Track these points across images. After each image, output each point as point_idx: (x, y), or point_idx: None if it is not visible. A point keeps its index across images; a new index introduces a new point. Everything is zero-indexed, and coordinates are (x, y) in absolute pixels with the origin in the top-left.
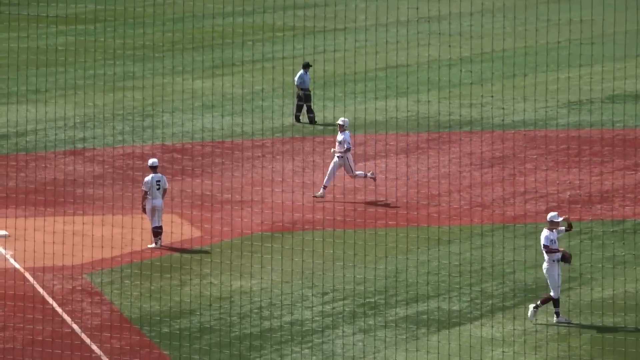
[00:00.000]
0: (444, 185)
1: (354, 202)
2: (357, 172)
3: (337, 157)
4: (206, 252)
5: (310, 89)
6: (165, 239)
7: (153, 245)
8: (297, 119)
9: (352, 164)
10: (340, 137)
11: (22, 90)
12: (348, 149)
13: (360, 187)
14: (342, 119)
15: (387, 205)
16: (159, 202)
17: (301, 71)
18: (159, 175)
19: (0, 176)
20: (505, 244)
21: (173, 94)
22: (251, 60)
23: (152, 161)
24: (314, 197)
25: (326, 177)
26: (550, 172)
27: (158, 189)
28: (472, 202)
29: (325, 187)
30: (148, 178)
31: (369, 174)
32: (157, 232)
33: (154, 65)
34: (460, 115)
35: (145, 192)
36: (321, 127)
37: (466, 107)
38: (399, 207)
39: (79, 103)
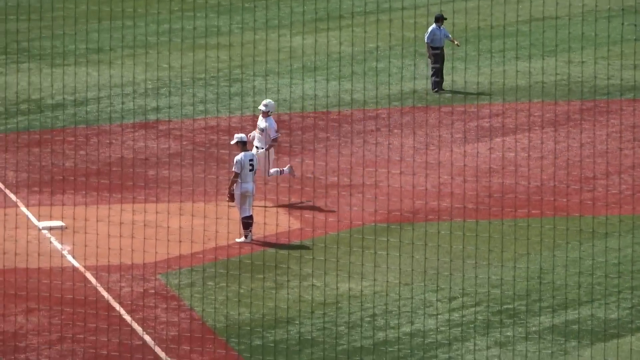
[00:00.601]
0: (601, 166)
1: (489, 187)
2: (271, 171)
3: (256, 148)
4: (307, 247)
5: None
6: (257, 232)
7: (242, 239)
8: (436, 85)
9: (271, 159)
10: (262, 123)
11: (81, 50)
12: (275, 140)
13: (497, 168)
14: (266, 101)
15: (529, 190)
16: (251, 186)
17: (433, 25)
18: (251, 153)
19: (56, 155)
20: None
21: (266, 54)
22: (363, 12)
23: (240, 136)
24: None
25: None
26: None
27: (251, 169)
28: (635, 186)
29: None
30: (239, 157)
31: (285, 169)
32: (247, 223)
33: (243, 18)
34: (622, 79)
35: (236, 174)
36: (449, 95)
37: (629, 69)
38: (544, 192)
39: (151, 65)
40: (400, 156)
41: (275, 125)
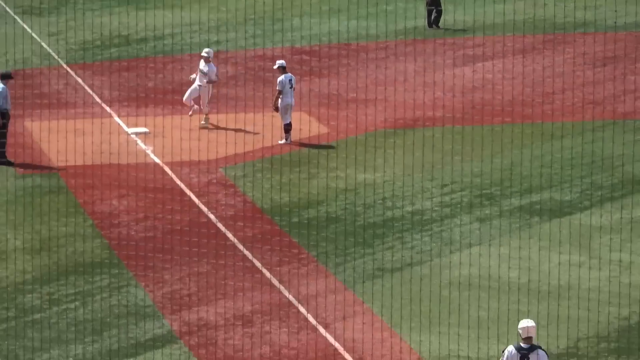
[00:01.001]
0: (558, 84)
1: (472, 100)
2: (207, 104)
3: (198, 85)
4: (333, 147)
5: None
6: (295, 136)
7: (283, 141)
8: (431, 23)
9: (210, 95)
10: (204, 67)
11: None
12: (213, 82)
13: (478, 86)
14: (206, 49)
15: (503, 103)
16: (290, 100)
17: None
18: (290, 74)
19: (141, 77)
20: (615, 139)
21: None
22: None
23: (280, 62)
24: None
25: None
26: None
27: (291, 87)
28: (584, 99)
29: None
30: (281, 77)
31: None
32: (287, 128)
33: None
34: (575, 18)
35: (279, 92)
36: (442, 30)
37: (581, 9)
38: (515, 104)
39: (213, 8)
40: (404, 77)
41: (215, 69)
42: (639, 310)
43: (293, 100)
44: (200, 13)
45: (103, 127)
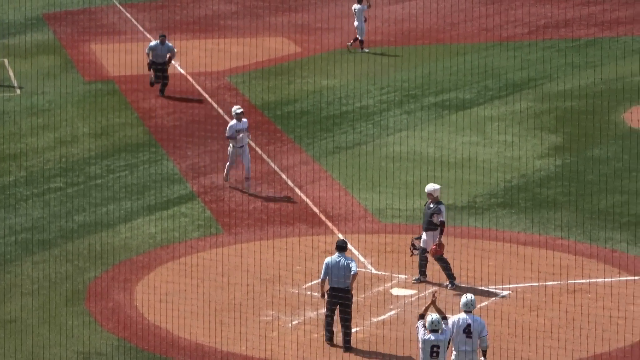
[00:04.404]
0: (462, 16)
1: (402, 28)
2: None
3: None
4: (305, 62)
5: None
6: (277, 54)
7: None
8: None
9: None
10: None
11: None
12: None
13: (406, 19)
14: (237, 107)
15: (424, 30)
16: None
17: None
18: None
19: (171, 13)
20: (501, 55)
21: None
22: None
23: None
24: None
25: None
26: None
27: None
28: (479, 27)
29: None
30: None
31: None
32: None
33: None
34: None
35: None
36: None
37: None
38: (431, 31)
39: None
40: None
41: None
42: (518, 175)
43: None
44: None
45: (145, 48)
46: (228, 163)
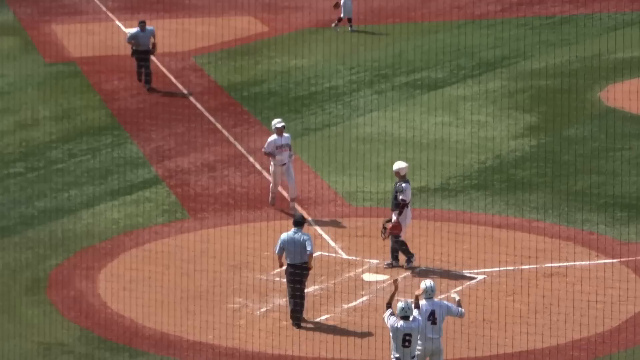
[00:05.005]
0: None
1: (372, 6)
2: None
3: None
4: (273, 42)
5: None
6: (244, 34)
7: None
8: None
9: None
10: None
11: None
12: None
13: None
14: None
15: (394, 8)
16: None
17: None
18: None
19: None
20: (474, 33)
21: None
22: None
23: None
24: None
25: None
26: None
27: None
28: (452, 5)
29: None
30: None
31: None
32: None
33: None
34: None
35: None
36: None
37: None
38: (402, 9)
39: None
40: None
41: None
42: (492, 156)
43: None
44: None
45: (107, 29)
46: (271, 184)
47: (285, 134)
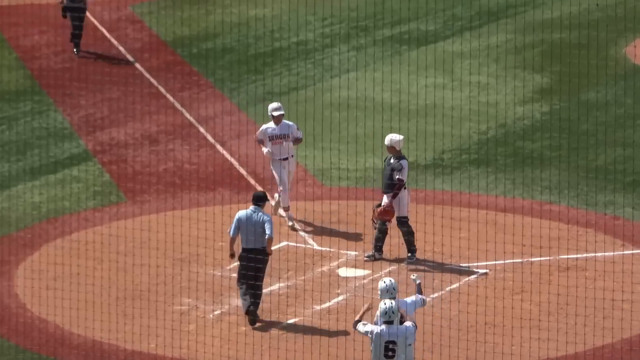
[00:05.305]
0: None
1: None
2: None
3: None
4: None
5: None
6: None
7: None
8: None
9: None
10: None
11: None
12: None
13: None
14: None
15: None
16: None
17: None
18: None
19: None
20: None
21: None
22: None
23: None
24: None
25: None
26: None
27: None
28: None
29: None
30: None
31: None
32: None
33: None
34: None
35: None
36: None
37: None
38: None
39: None
40: None
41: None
42: (495, 125)
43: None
44: None
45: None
46: (279, 186)
47: (288, 122)
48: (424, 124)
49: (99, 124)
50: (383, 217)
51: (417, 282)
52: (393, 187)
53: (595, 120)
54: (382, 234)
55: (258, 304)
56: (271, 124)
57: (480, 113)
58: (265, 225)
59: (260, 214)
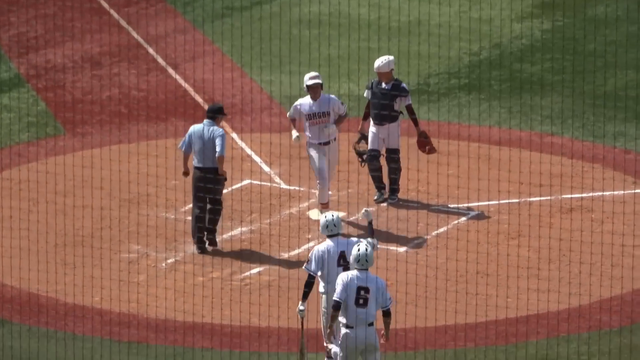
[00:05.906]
0: None
1: None
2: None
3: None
4: None
5: None
6: None
7: None
8: None
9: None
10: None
11: None
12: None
13: None
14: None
15: None
16: None
17: None
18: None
19: None
20: None
21: None
22: None
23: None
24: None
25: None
26: None
27: None
28: None
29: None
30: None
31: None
32: None
33: None
34: None
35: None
36: None
37: None
38: None
39: None
40: None
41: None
42: (489, 45)
43: None
44: None
45: None
46: (317, 180)
47: (327, 95)
48: (407, 43)
49: (33, 45)
50: (433, 150)
51: (369, 219)
52: (391, 117)
53: (604, 40)
54: (377, 172)
55: (213, 238)
56: (307, 99)
57: (471, 31)
58: (216, 141)
59: (212, 128)
